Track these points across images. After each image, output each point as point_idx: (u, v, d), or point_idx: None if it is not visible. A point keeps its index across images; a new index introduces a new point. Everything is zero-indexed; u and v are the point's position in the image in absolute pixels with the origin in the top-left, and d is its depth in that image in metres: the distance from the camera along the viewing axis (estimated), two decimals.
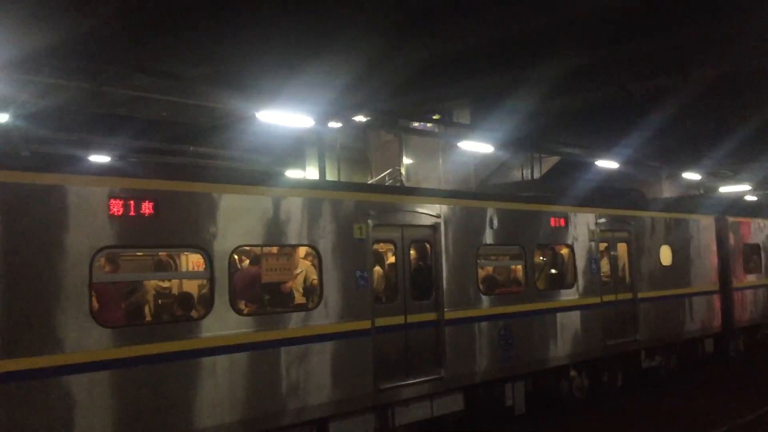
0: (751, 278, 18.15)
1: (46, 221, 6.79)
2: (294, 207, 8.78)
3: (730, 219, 17.65)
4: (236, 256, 8.52)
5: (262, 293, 9.02)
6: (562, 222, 12.72)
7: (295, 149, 21.05)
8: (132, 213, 7.33)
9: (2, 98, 13.21)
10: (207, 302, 7.98)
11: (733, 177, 30.79)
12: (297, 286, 9.51)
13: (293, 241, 8.90)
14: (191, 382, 7.60)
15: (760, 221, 19.31)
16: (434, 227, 10.43)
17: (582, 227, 13.07)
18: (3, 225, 6.47)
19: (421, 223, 10.31)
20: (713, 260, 16.79)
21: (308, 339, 8.70)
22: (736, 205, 19.72)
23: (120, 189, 7.30)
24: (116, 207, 7.23)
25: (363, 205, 9.54)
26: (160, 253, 9.11)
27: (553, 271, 13.01)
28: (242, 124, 17.41)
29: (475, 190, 17.91)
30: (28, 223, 6.68)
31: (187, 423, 7.52)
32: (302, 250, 9.42)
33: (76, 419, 6.74)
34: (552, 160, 23.36)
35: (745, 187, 31.53)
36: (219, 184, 8.19)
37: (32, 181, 6.76)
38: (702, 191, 30.62)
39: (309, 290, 9.40)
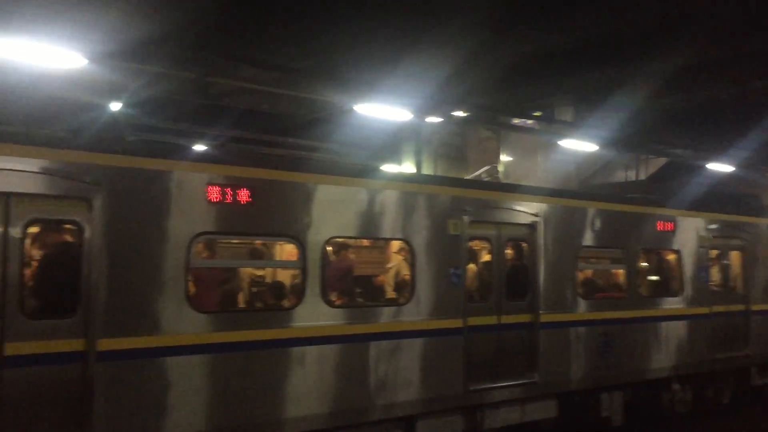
0: None
1: (147, 205, 6.92)
2: (389, 200, 8.64)
3: None
4: (329, 248, 8.47)
5: (353, 286, 8.94)
6: (670, 226, 12.03)
7: (392, 144, 20.94)
8: (229, 200, 7.39)
9: (115, 86, 13.74)
10: (299, 292, 7.96)
11: None
12: (389, 281, 9.38)
13: (387, 235, 8.77)
14: (280, 371, 7.60)
15: None
16: (532, 226, 10.05)
17: (691, 232, 12.33)
18: (107, 208, 6.62)
19: (518, 221, 9.96)
20: None
21: (398, 335, 8.55)
22: None
23: (218, 176, 7.36)
24: (214, 193, 7.29)
25: (459, 200, 9.29)
26: (255, 242, 9.18)
27: (658, 277, 12.33)
28: (340, 118, 17.46)
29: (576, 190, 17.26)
30: (131, 207, 6.83)
31: (275, 411, 7.53)
32: (395, 244, 9.27)
33: (168, 399, 6.84)
34: (659, 161, 22.26)
35: None
36: (315, 175, 8.15)
37: (135, 166, 6.91)
38: None
39: (401, 285, 9.25)
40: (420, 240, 8.84)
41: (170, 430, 6.82)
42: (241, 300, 8.66)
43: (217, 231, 7.55)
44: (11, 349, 6.06)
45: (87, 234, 6.52)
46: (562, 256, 10.39)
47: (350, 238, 8.72)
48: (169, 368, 6.88)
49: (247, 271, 9.15)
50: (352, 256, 8.97)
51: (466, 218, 9.26)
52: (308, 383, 7.75)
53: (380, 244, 9.02)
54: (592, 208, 10.92)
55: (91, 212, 6.52)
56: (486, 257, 9.97)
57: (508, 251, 9.97)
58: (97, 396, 6.41)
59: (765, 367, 13.71)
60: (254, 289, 9.09)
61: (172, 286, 6.95)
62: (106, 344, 6.51)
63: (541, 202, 10.22)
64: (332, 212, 8.16)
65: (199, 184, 7.23)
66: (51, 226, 6.75)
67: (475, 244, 10.20)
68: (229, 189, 7.39)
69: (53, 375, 6.23)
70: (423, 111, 16.12)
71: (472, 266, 9.93)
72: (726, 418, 12.65)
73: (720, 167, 21.04)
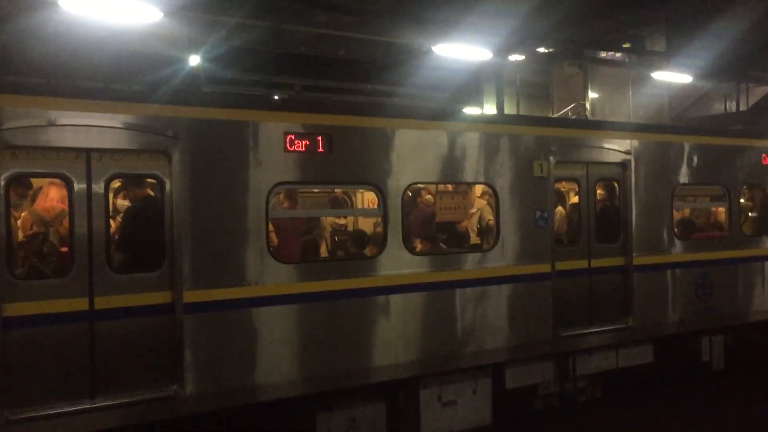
0: None
1: (225, 157, 6.87)
2: (470, 143, 8.32)
3: None
4: (410, 194, 8.26)
5: (436, 232, 8.73)
6: None
7: (473, 86, 20.37)
8: (306, 149, 7.25)
9: (193, 40, 13.79)
10: (380, 240, 7.81)
11: None
12: (472, 226, 9.13)
13: (469, 179, 8.47)
14: (366, 320, 7.54)
15: None
16: (623, 164, 9.51)
17: None
18: (186, 161, 6.60)
19: (608, 159, 9.44)
20: None
21: (483, 281, 8.33)
22: None
23: (295, 124, 7.22)
24: (291, 142, 7.17)
25: (544, 140, 8.86)
26: (335, 190, 9.08)
27: (763, 214, 11.53)
28: (418, 60, 17.03)
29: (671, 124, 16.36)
30: (209, 159, 6.79)
31: (361, 360, 7.50)
32: (478, 189, 8.98)
33: (253, 350, 6.89)
34: (762, 91, 20.78)
35: None
36: (393, 119, 7.90)
37: (211, 117, 6.84)
38: None
39: (485, 230, 8.98)
40: (504, 183, 8.50)
41: (256, 380, 6.88)
42: (324, 250, 8.61)
43: (296, 181, 7.44)
44: (101, 303, 6.19)
45: (168, 188, 6.53)
46: (657, 195, 9.83)
47: (431, 183, 8.47)
48: (253, 319, 6.90)
49: (329, 221, 9.09)
50: (433, 201, 8.73)
51: (552, 159, 8.83)
52: (393, 332, 7.66)
53: (463, 188, 8.73)
54: (688, 143, 10.23)
55: (170, 165, 6.52)
56: (574, 199, 9.54)
57: (599, 192, 9.49)
58: (186, 347, 6.51)
59: None
60: (336, 238, 9.03)
61: (253, 237, 6.92)
62: (191, 296, 6.57)
63: (633, 138, 9.64)
64: (412, 157, 7.91)
65: (276, 133, 7.11)
66: (132, 180, 6.80)
67: (563, 186, 9.78)
68: (306, 137, 7.25)
69: (142, 327, 6.34)
70: (504, 49, 15.50)
71: (560, 209, 9.54)
72: None
73: None
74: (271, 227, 7.21)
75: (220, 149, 6.86)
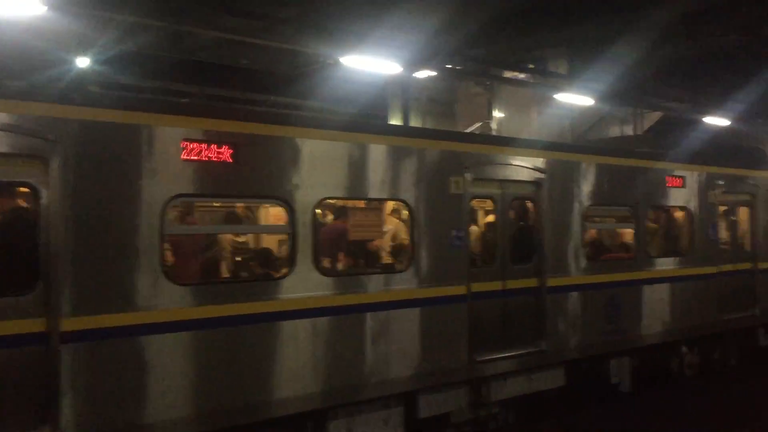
0: None
1: (113, 164, 6.07)
2: (386, 157, 7.85)
3: None
4: (321, 210, 7.68)
5: (348, 252, 8.17)
6: (679, 181, 11.35)
7: (379, 101, 20.09)
8: (207, 158, 6.54)
9: (83, 40, 12.72)
10: (288, 260, 7.18)
11: None
12: (386, 245, 8.62)
13: (384, 195, 7.99)
14: (271, 347, 6.87)
15: None
16: (538, 183, 9.31)
17: (700, 188, 11.67)
18: (67, 168, 5.77)
19: (524, 178, 9.21)
20: None
21: (398, 304, 7.84)
22: None
23: (195, 130, 6.51)
24: (191, 150, 6.45)
25: (461, 156, 8.51)
26: (237, 205, 8.36)
27: (666, 236, 11.68)
28: (324, 72, 16.56)
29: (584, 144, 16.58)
30: (95, 167, 5.97)
31: (267, 392, 6.81)
32: (393, 205, 8.51)
33: (146, 382, 6.09)
34: (655, 116, 21.59)
35: None
36: (304, 129, 7.32)
37: (99, 119, 6.03)
38: None
39: (399, 250, 8.50)
40: (419, 200, 8.07)
41: (149, 417, 6.08)
42: (225, 270, 7.88)
43: (195, 193, 6.72)
44: None
45: (44, 198, 5.66)
46: (569, 215, 9.70)
47: (344, 199, 7.92)
48: (145, 349, 6.10)
49: (229, 238, 8.36)
50: (346, 218, 8.17)
51: (468, 176, 8.49)
52: (301, 360, 7.04)
53: (376, 205, 8.24)
54: (599, 163, 10.19)
55: (48, 172, 5.67)
56: (489, 218, 9.25)
57: (513, 211, 9.24)
58: (63, 382, 5.64)
59: None
60: (238, 258, 8.31)
61: (145, 256, 6.13)
62: (70, 324, 5.71)
63: (547, 157, 9.47)
64: (324, 171, 7.36)
65: (173, 139, 6.37)
66: (0, 189, 5.90)
67: (478, 204, 9.48)
68: (206, 145, 6.55)
69: (9, 360, 5.43)
70: (412, 64, 15.28)
71: (474, 228, 9.21)
72: (734, 381, 12.16)
73: (717, 121, 20.42)
74: (166, 245, 6.45)
75: (108, 156, 6.05)
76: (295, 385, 6.99)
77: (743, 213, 12.74)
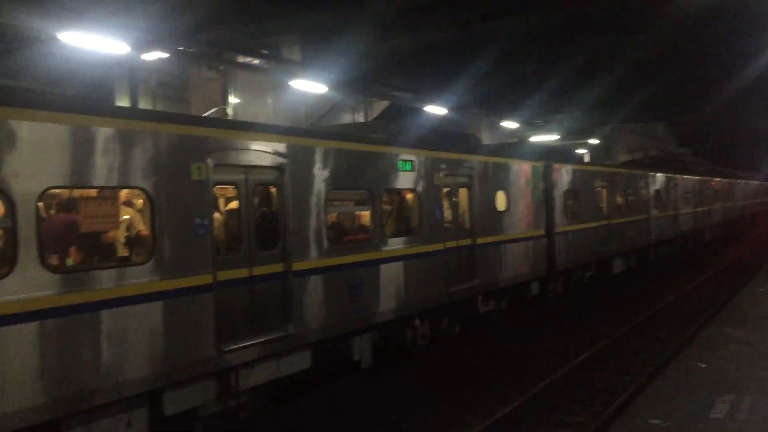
0: (571, 223, 18.91)
1: None
2: (118, 141, 7.27)
3: (555, 165, 18.13)
4: (47, 200, 6.90)
5: (80, 246, 7.46)
6: (409, 165, 12.10)
7: (104, 82, 18.67)
8: None
9: None
10: (8, 259, 6.35)
11: (545, 127, 32.39)
12: (123, 237, 8.03)
13: (117, 183, 7.39)
14: None
15: (579, 167, 20.17)
16: (281, 168, 9.31)
17: (427, 171, 12.56)
18: None
19: (267, 163, 9.15)
20: (542, 205, 17.18)
21: (138, 299, 7.35)
22: (557, 152, 20.34)
23: None
24: None
25: (202, 141, 8.20)
26: None
27: (399, 217, 12.41)
28: (38, 50, 14.93)
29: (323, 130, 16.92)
30: None
31: None
32: (130, 193, 7.94)
33: None
34: (383, 104, 22.85)
35: (554, 136, 33.32)
36: (19, 109, 6.49)
37: None
38: (517, 140, 31.87)
39: (138, 241, 7.96)
40: (159, 187, 7.62)
41: None
42: None
43: None
44: None
45: None
46: (312, 199, 9.85)
47: (74, 187, 7.20)
48: None
49: None
50: (76, 209, 7.44)
51: (210, 161, 8.21)
52: (27, 368, 6.30)
53: (111, 193, 7.59)
54: (339, 148, 10.48)
55: None
56: (234, 204, 9.04)
57: (258, 197, 9.15)
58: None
59: (488, 295, 14.75)
60: None
61: None
62: None
63: (289, 142, 9.50)
64: (49, 156, 6.62)
65: None
66: None
67: (222, 191, 9.23)
68: None
69: None
70: (141, 44, 14.40)
71: (218, 215, 8.96)
72: (462, 347, 13.36)
73: (437, 110, 22.22)
74: None
75: None
76: (21, 397, 6.24)
77: (463, 194, 13.98)
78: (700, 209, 35.06)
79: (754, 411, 8.46)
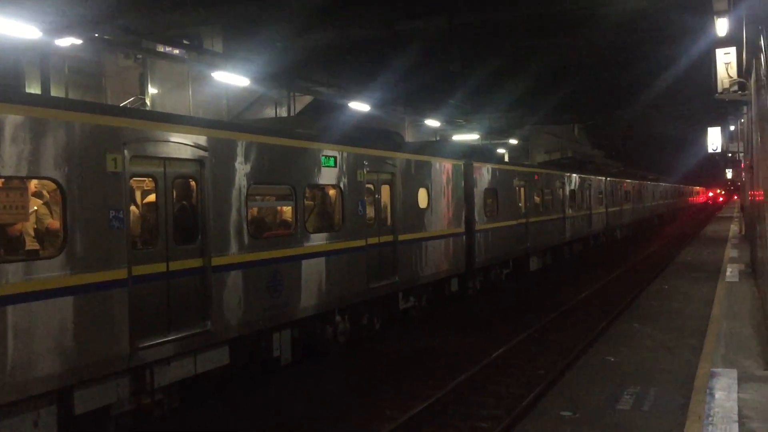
0: (490, 221, 19.30)
1: None
2: (26, 129, 6.96)
3: (475, 164, 18.45)
4: None
5: None
6: (332, 161, 12.08)
7: (12, 69, 17.81)
8: None
9: None
10: None
11: (466, 126, 32.96)
12: (31, 230, 7.70)
13: (25, 173, 7.07)
14: None
15: (498, 166, 20.59)
16: (201, 162, 9.13)
17: (350, 167, 12.57)
18: None
19: (187, 156, 8.94)
20: (462, 203, 17.46)
21: (46, 293, 7.06)
22: (478, 151, 20.71)
23: None
24: None
25: (119, 131, 7.94)
26: None
27: (322, 213, 12.37)
28: None
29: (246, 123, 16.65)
30: None
31: None
32: (40, 184, 7.62)
33: None
34: (306, 99, 22.70)
35: (474, 135, 33.95)
36: None
37: None
38: (440, 138, 32.30)
39: (48, 234, 7.65)
40: (72, 178, 7.34)
41: None
42: None
43: None
44: None
45: None
46: (233, 194, 9.70)
47: None
48: None
49: None
50: None
51: (127, 153, 7.97)
52: None
53: (18, 183, 7.26)
54: (261, 143, 10.35)
55: None
56: (151, 197, 8.80)
57: (177, 190, 8.94)
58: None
59: (409, 291, 14.90)
60: None
61: None
62: None
63: (210, 135, 9.32)
64: None
65: None
66: None
67: (139, 183, 8.97)
68: None
69: None
70: (53, 30, 13.82)
71: (134, 208, 8.70)
72: (381, 343, 13.44)
73: (361, 106, 22.24)
74: None
75: None
76: None
77: (385, 191, 14.05)
78: (611, 209, 36.44)
79: (657, 403, 8.87)
